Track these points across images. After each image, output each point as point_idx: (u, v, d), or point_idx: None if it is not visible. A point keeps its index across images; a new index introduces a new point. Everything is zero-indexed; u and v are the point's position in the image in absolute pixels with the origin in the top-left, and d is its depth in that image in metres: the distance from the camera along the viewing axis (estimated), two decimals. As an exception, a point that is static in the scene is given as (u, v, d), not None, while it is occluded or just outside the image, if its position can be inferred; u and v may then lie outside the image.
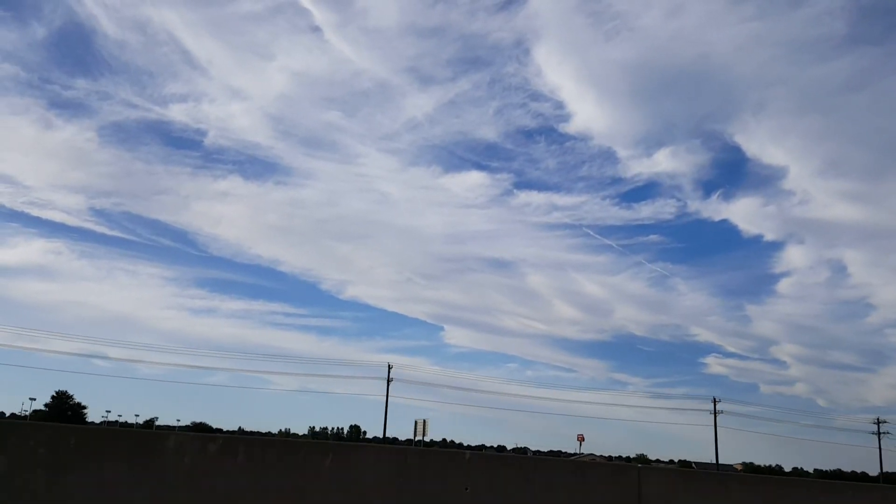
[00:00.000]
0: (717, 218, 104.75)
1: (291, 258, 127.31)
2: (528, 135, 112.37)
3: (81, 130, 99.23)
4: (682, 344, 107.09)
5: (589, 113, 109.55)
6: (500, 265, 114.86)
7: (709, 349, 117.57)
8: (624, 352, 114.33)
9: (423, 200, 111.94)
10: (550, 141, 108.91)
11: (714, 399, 66.48)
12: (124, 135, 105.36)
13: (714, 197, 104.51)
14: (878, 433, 66.90)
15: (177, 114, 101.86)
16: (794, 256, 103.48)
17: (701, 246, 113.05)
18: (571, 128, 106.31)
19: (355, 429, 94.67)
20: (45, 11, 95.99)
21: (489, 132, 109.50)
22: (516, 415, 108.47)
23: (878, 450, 66.40)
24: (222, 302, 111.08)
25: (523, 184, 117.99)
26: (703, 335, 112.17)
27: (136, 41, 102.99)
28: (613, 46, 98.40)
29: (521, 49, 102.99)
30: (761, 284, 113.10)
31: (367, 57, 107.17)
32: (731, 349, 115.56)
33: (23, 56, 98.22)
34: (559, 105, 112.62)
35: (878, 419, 67.22)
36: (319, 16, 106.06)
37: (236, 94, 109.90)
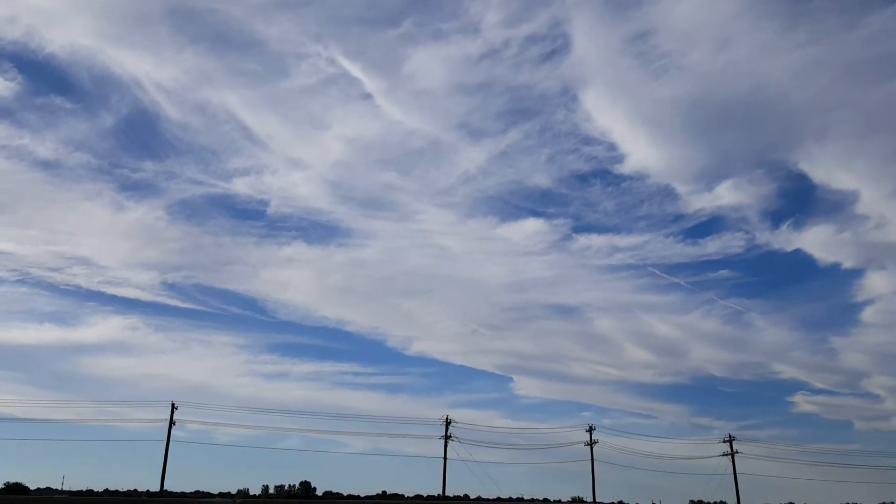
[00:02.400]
0: (789, 248, 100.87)
1: (357, 318, 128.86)
2: (583, 178, 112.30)
3: (151, 210, 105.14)
4: (765, 382, 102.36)
5: (643, 152, 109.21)
6: (566, 311, 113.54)
7: (795, 386, 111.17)
8: (704, 394, 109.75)
9: (482, 251, 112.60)
10: (606, 183, 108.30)
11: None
12: (191, 211, 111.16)
13: (784, 227, 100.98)
14: None
15: (240, 187, 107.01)
16: (877, 283, 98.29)
17: (775, 278, 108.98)
18: (626, 168, 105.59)
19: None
20: (112, 101, 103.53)
21: (543, 179, 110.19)
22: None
23: None
24: (293, 365, 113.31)
25: (582, 227, 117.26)
26: (787, 372, 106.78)
27: (197, 122, 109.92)
28: (663, 85, 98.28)
29: (568, 96, 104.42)
30: (844, 314, 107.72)
31: (417, 118, 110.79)
32: (819, 385, 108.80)
33: (93, 144, 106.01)
34: (611, 147, 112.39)
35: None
36: (370, 83, 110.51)
37: (296, 164, 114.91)
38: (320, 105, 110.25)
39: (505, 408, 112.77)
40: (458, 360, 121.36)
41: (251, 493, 75.07)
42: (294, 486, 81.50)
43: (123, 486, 78.19)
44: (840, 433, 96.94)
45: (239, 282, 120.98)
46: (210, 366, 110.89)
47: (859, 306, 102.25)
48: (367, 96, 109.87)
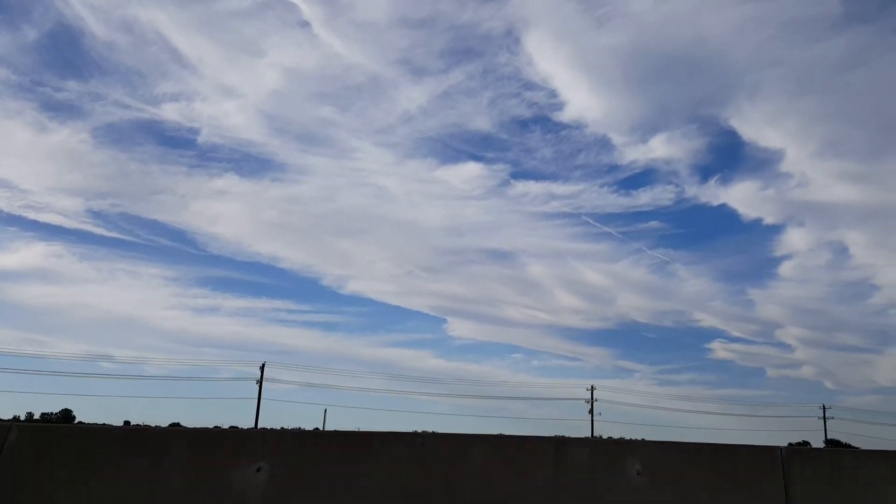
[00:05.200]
0: (715, 203, 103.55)
1: (291, 254, 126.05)
2: (523, 124, 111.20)
3: (75, 132, 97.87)
4: (686, 330, 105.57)
5: (583, 101, 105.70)
6: (501, 256, 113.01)
7: (713, 334, 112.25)
8: (629, 339, 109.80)
9: (420, 193, 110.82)
10: (546, 130, 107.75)
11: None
12: (118, 135, 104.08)
13: (711, 182, 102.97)
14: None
15: (169, 113, 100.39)
16: (795, 239, 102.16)
17: (700, 231, 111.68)
18: (566, 116, 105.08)
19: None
20: (35, 14, 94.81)
21: (484, 123, 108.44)
22: (520, 404, 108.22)
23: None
24: (224, 300, 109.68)
25: (520, 174, 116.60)
26: (706, 320, 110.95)
27: (124, 41, 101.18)
28: (606, 33, 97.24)
29: (511, 38, 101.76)
30: (763, 268, 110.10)
31: (357, 50, 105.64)
32: (736, 334, 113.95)
33: (13, 59, 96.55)
34: (553, 94, 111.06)
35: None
36: (308, 10, 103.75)
37: (228, 91, 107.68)
38: (255, 30, 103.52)
39: (439, 348, 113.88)
40: (393, 301, 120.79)
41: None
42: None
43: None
44: (753, 379, 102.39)
45: (168, 212, 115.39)
46: (137, 297, 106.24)
47: (777, 261, 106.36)
48: (305, 24, 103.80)
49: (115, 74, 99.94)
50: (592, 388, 63.43)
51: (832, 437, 67.55)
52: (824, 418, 66.88)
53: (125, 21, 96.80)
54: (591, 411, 62.31)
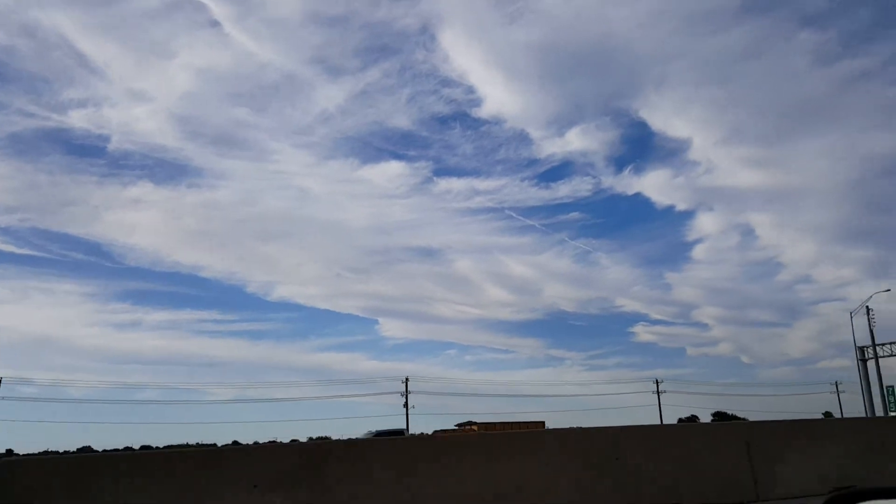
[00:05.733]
0: (630, 192, 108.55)
1: (213, 262, 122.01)
2: (443, 121, 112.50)
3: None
4: (610, 316, 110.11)
5: (499, 96, 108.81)
6: (428, 253, 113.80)
7: (636, 318, 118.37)
8: (557, 329, 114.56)
9: (343, 194, 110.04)
10: (465, 126, 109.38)
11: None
12: (23, 146, 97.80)
13: (626, 172, 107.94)
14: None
15: (77, 120, 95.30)
16: (706, 224, 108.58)
17: (618, 220, 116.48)
18: (484, 112, 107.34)
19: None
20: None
21: (403, 121, 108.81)
22: (459, 400, 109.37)
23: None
24: (146, 314, 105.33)
25: (442, 171, 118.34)
26: (629, 305, 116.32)
27: (26, 47, 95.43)
28: (518, 28, 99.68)
29: (427, 35, 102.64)
30: (678, 252, 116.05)
31: (270, 49, 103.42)
32: (657, 316, 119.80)
33: None
34: (470, 90, 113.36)
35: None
36: (217, 9, 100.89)
37: (138, 95, 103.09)
38: (164, 31, 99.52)
39: (372, 349, 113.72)
40: (322, 305, 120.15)
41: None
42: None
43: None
44: (675, 359, 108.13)
45: (80, 225, 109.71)
46: (53, 316, 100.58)
47: (690, 245, 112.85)
48: (216, 23, 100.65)
49: (16, 81, 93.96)
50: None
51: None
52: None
53: (25, 25, 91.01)
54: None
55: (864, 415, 47.03)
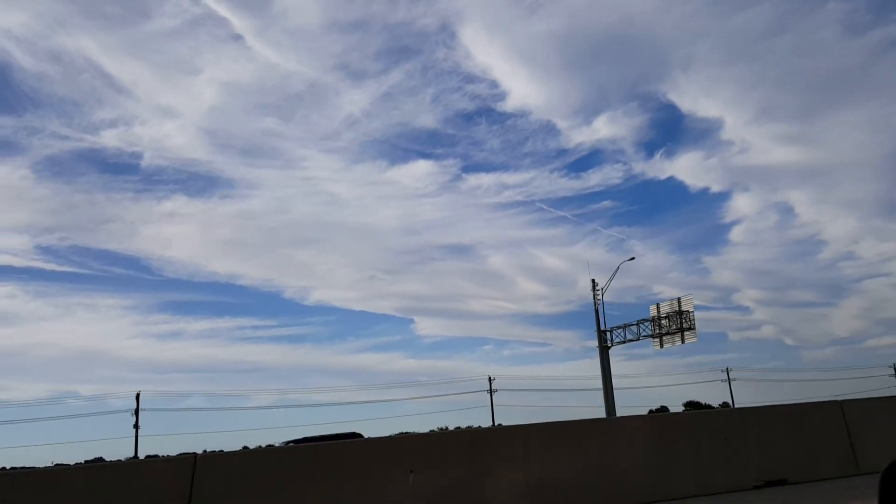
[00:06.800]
0: (662, 176, 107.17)
1: (249, 271, 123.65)
2: (468, 117, 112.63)
3: (15, 169, 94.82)
4: (647, 304, 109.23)
5: (523, 89, 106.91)
6: (460, 250, 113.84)
7: None
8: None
9: (373, 196, 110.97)
10: (491, 121, 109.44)
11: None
12: (59, 167, 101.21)
13: (657, 156, 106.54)
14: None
15: (109, 139, 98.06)
16: (742, 204, 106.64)
17: (652, 206, 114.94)
18: (509, 105, 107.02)
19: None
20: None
21: (429, 120, 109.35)
22: (499, 396, 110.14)
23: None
24: (187, 324, 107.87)
25: (471, 167, 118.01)
26: (666, 292, 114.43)
27: (54, 72, 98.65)
28: (538, 20, 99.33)
29: (447, 33, 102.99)
30: (715, 235, 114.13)
31: (293, 59, 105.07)
32: (696, 302, 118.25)
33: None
34: (493, 84, 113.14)
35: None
36: (238, 23, 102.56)
37: (167, 112, 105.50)
38: (188, 48, 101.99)
39: (408, 349, 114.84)
40: (357, 307, 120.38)
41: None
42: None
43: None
44: (717, 344, 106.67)
45: (118, 241, 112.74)
46: (98, 330, 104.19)
47: (727, 227, 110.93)
48: (238, 37, 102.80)
49: (48, 106, 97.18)
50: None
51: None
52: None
53: (52, 51, 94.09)
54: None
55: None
